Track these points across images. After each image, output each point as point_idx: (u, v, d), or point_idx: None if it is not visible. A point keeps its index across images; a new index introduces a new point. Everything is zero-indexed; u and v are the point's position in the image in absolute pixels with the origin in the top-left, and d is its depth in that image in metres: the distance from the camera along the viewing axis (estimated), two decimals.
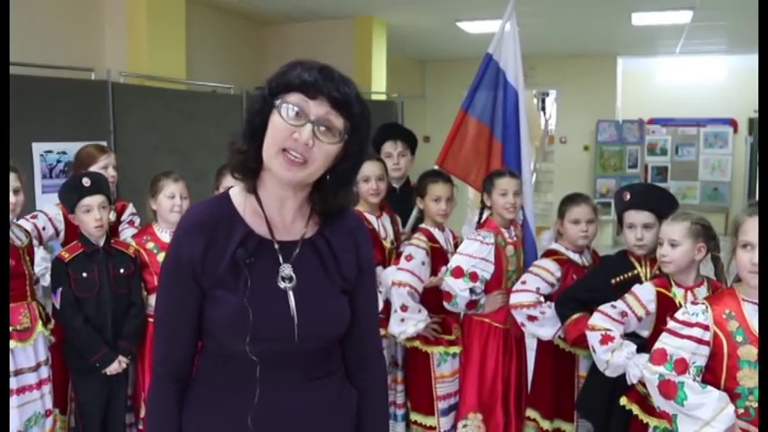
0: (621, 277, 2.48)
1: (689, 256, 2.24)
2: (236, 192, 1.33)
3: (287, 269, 1.29)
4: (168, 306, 1.32)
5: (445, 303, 2.81)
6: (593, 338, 2.35)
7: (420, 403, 2.95)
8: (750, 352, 1.80)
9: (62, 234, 2.95)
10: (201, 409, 1.32)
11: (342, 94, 1.22)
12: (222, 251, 1.26)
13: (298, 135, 1.20)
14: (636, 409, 2.28)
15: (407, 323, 2.76)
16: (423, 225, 2.94)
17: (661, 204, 2.48)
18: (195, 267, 1.26)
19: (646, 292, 2.32)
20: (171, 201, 2.85)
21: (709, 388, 1.83)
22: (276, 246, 1.29)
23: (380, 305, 2.83)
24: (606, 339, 2.31)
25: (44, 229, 2.92)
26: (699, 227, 2.24)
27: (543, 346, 2.86)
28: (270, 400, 1.29)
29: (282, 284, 1.28)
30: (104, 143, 4.05)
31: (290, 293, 1.28)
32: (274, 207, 1.30)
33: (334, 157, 1.26)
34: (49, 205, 3.01)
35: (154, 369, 1.36)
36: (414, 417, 2.98)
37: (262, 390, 1.28)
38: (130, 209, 3.27)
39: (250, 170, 1.28)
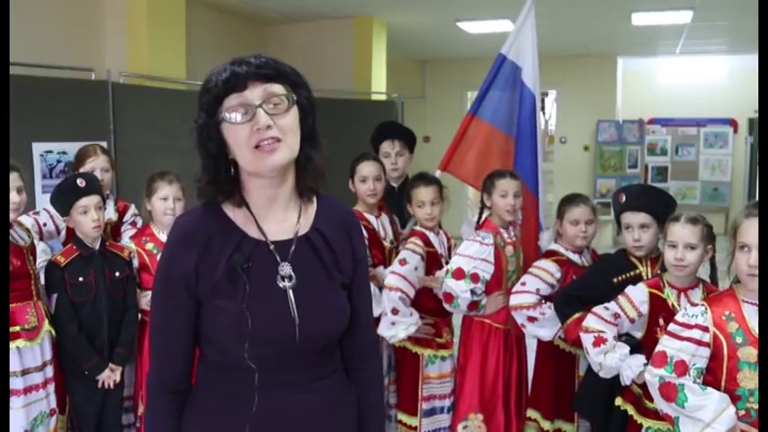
0: (623, 277, 2.48)
1: (702, 259, 2.23)
2: None
3: (286, 268, 1.27)
4: (163, 321, 1.31)
5: (446, 305, 2.81)
6: (586, 340, 2.36)
7: (405, 403, 2.96)
8: (750, 353, 1.80)
9: (63, 233, 2.95)
10: (204, 416, 1.31)
11: (262, 65, 1.22)
12: (217, 259, 1.25)
13: (257, 125, 1.19)
14: (631, 410, 2.29)
15: (398, 327, 2.75)
16: (418, 228, 2.91)
17: (657, 205, 2.48)
18: (189, 280, 1.25)
19: (638, 294, 2.31)
20: (164, 203, 2.84)
21: (710, 389, 1.83)
22: (272, 246, 1.28)
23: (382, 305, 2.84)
24: (599, 341, 2.32)
25: (45, 225, 2.91)
26: (707, 229, 2.24)
27: (543, 346, 2.86)
28: (272, 406, 1.27)
29: (282, 284, 1.26)
30: (104, 143, 4.05)
31: (290, 293, 1.26)
32: (265, 209, 1.29)
33: (299, 122, 1.25)
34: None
35: (149, 383, 1.34)
36: (399, 416, 2.99)
37: (261, 397, 1.27)
38: (132, 210, 3.27)
39: (229, 191, 1.27)
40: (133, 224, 3.21)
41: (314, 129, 1.30)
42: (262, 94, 1.20)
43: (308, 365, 1.31)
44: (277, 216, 1.30)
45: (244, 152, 1.21)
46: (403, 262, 2.78)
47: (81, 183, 2.65)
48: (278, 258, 1.28)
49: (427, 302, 2.86)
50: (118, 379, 2.69)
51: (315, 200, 1.36)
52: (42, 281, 2.65)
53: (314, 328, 1.27)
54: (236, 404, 1.28)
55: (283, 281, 1.27)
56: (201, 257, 1.25)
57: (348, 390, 1.41)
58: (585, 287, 2.56)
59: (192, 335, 1.30)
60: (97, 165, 3.03)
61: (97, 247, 2.68)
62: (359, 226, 1.43)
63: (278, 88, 1.22)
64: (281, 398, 1.29)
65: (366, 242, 1.48)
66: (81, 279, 2.61)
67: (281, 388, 1.29)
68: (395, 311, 2.74)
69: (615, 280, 2.47)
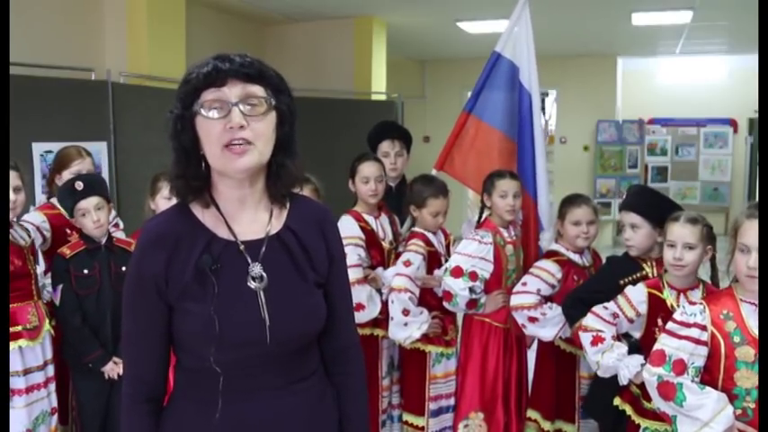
0: (631, 278, 2.47)
1: (701, 259, 2.23)
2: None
3: (256, 268, 1.24)
4: (135, 327, 1.27)
5: (445, 303, 2.81)
6: (584, 339, 2.36)
7: (412, 403, 2.96)
8: (747, 353, 1.80)
9: (48, 240, 2.88)
10: (181, 422, 1.28)
11: (245, 64, 1.20)
12: (186, 261, 1.22)
13: (229, 123, 1.17)
14: (629, 410, 2.29)
15: (412, 327, 2.76)
16: (417, 229, 2.92)
17: (648, 206, 2.47)
18: (159, 282, 1.22)
19: (637, 294, 2.31)
20: (168, 202, 2.83)
21: (708, 389, 1.83)
22: (241, 246, 1.25)
23: (379, 306, 2.84)
24: (597, 340, 2.32)
25: (33, 241, 2.88)
26: (707, 229, 2.23)
27: (544, 346, 2.86)
28: (250, 409, 1.25)
29: (253, 285, 1.23)
30: (103, 143, 4.05)
31: (261, 294, 1.23)
32: (235, 209, 1.27)
33: (275, 128, 1.23)
34: (32, 213, 2.96)
35: (125, 392, 1.31)
36: (405, 417, 2.99)
37: (237, 401, 1.24)
38: (112, 212, 3.23)
39: (198, 188, 1.25)
40: (116, 226, 3.18)
41: (290, 137, 1.28)
42: (240, 93, 1.18)
43: (284, 368, 1.28)
44: (248, 216, 1.27)
45: (213, 149, 1.19)
46: (407, 263, 2.79)
47: (78, 186, 2.64)
48: (248, 259, 1.25)
49: (431, 300, 2.87)
50: (122, 372, 2.68)
51: (288, 200, 1.33)
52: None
53: (285, 330, 1.24)
54: (213, 409, 1.24)
55: (254, 281, 1.24)
56: (170, 260, 1.22)
57: (329, 391, 1.38)
58: (593, 290, 2.54)
59: (166, 340, 1.27)
60: (84, 167, 2.98)
61: (104, 241, 2.70)
62: (334, 224, 1.40)
63: (257, 90, 1.20)
64: (259, 401, 1.26)
65: (342, 240, 1.45)
66: (86, 272, 2.62)
67: (257, 392, 1.26)
68: (406, 312, 2.74)
69: (622, 282, 2.45)
